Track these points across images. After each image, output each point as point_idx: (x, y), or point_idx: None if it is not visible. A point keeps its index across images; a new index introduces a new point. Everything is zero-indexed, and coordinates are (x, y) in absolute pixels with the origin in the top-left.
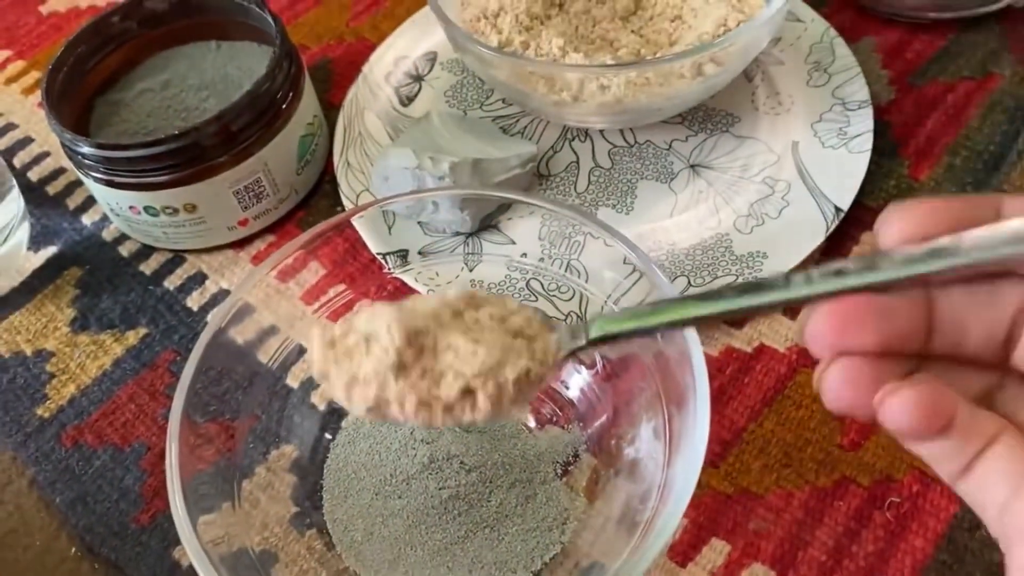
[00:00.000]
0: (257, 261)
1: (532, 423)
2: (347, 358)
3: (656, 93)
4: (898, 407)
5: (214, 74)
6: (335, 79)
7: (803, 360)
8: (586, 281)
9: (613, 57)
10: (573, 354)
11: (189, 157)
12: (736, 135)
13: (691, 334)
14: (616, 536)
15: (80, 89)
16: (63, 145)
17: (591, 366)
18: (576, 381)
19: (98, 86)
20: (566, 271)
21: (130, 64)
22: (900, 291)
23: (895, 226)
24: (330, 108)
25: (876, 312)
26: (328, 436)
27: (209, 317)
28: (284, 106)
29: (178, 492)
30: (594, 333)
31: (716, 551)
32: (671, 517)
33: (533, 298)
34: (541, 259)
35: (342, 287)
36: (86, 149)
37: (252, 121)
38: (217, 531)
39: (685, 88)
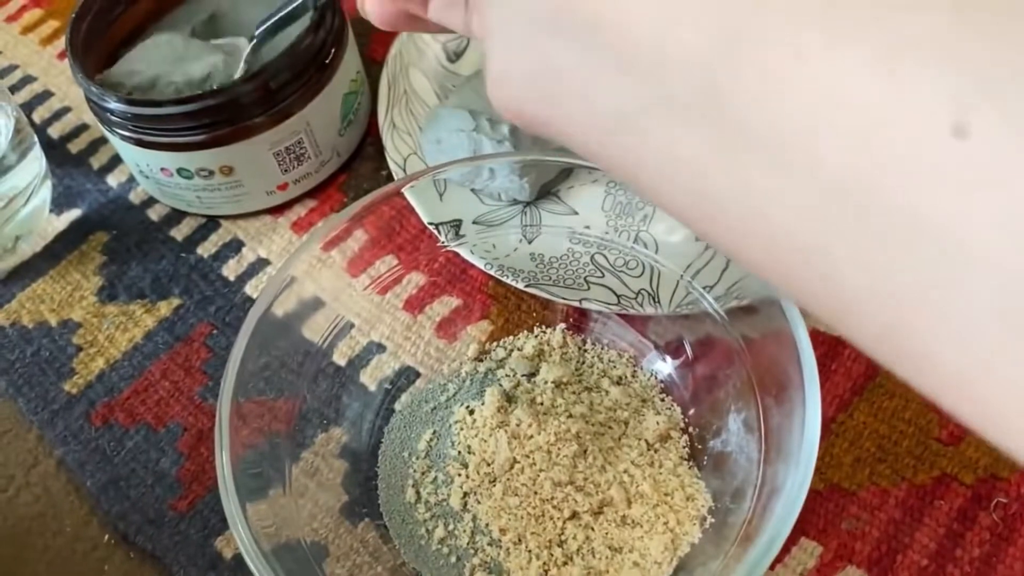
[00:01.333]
0: (297, 228)
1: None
2: None
3: None
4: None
5: None
6: (375, 33)
7: None
8: (656, 252)
9: None
10: None
11: (226, 116)
12: None
13: (794, 314)
14: (704, 537)
15: (105, 40)
16: (88, 100)
17: (677, 355)
18: (660, 370)
19: (123, 37)
20: (634, 243)
21: (156, 14)
22: None
23: None
24: (371, 64)
25: None
26: (381, 420)
27: (249, 288)
28: (327, 61)
29: (229, 479)
30: None
31: (807, 552)
32: (780, 531)
33: (599, 274)
34: (606, 231)
35: (390, 258)
36: (114, 105)
37: (293, 78)
38: (266, 520)
39: None
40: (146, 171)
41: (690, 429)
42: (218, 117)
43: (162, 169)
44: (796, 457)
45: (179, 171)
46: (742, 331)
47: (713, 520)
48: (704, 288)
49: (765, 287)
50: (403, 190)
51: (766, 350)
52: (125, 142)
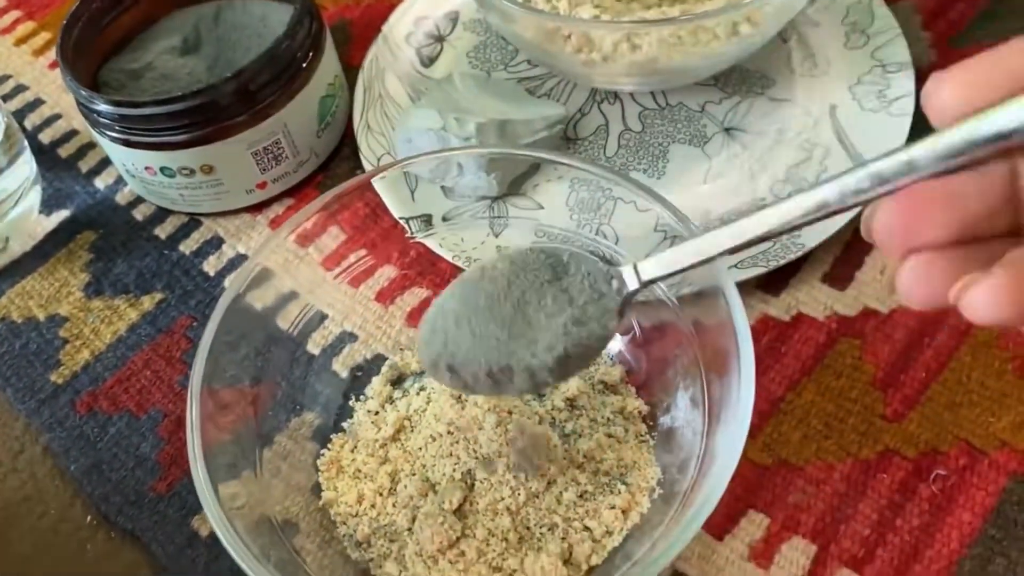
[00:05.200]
0: (275, 225)
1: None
2: None
3: (690, 52)
4: (980, 300)
5: None
6: (353, 40)
7: (842, 329)
8: (616, 244)
9: (643, 15)
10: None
11: (206, 116)
12: (771, 98)
13: (734, 298)
14: (652, 507)
15: (95, 47)
16: (78, 103)
17: (626, 332)
18: (610, 348)
19: (112, 46)
20: (596, 235)
21: (145, 23)
22: (970, 167)
23: (946, 93)
24: (349, 69)
25: (945, 199)
26: (351, 404)
27: (227, 282)
28: (305, 65)
29: (199, 458)
30: (646, 275)
31: (755, 524)
32: (714, 490)
33: None
34: (570, 224)
35: (363, 252)
36: (102, 107)
37: (271, 80)
38: (238, 499)
39: (719, 48)
40: (132, 170)
41: (643, 408)
42: (198, 117)
43: (146, 168)
44: (732, 424)
45: (162, 169)
46: (691, 315)
47: (661, 491)
48: None
49: (712, 276)
50: (375, 184)
51: (710, 331)
52: (112, 143)
